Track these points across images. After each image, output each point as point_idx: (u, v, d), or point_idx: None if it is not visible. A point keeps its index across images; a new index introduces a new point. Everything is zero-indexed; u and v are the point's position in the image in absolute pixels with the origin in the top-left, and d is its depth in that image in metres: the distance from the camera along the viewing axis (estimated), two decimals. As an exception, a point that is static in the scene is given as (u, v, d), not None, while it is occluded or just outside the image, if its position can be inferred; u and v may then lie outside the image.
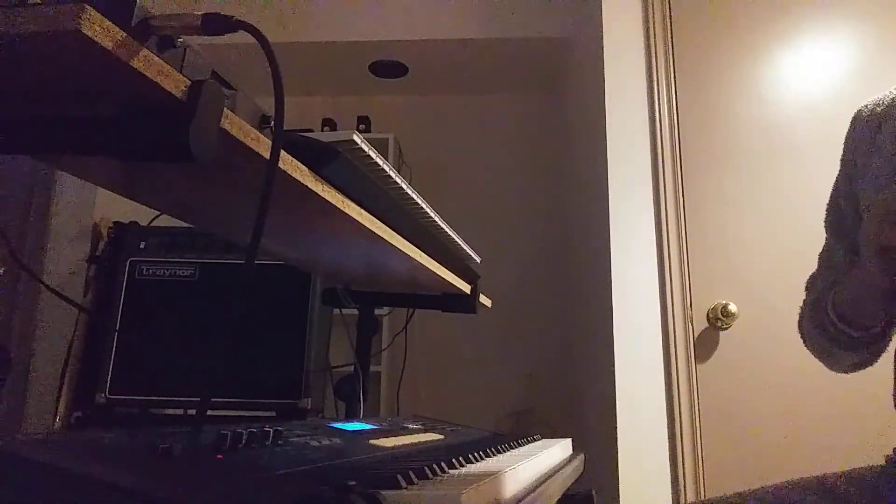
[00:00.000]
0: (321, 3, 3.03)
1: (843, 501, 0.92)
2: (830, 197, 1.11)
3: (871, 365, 1.03)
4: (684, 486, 1.82)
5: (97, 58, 0.41)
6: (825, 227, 1.11)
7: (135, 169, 0.61)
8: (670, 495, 1.82)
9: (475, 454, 0.82)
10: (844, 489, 0.93)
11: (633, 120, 2.07)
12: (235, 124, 0.53)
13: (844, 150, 1.09)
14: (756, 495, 0.97)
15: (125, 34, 0.42)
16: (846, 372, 1.06)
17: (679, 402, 1.87)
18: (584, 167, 2.60)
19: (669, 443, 1.85)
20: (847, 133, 1.09)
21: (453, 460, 0.72)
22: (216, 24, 0.48)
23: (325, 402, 1.61)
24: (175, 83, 0.46)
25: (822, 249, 1.11)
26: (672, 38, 2.13)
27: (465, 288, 1.36)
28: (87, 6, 0.39)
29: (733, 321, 1.93)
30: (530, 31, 3.00)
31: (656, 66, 2.09)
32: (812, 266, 1.14)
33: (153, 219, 1.56)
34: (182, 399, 1.46)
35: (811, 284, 1.11)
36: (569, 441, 1.23)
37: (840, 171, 1.09)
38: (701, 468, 1.84)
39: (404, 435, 0.99)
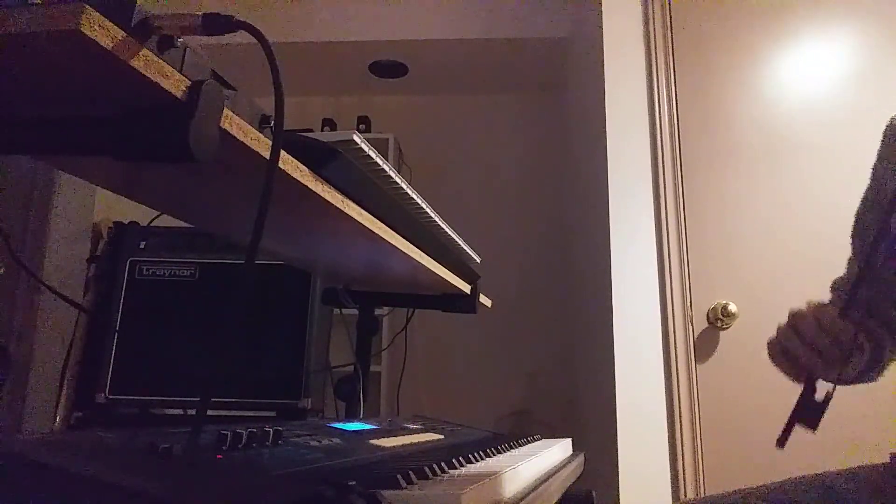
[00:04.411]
0: (321, 3, 3.03)
1: (845, 500, 0.92)
2: (860, 203, 1.09)
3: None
4: (684, 486, 1.82)
5: (97, 58, 0.41)
6: (851, 234, 1.10)
7: (135, 169, 0.61)
8: (670, 495, 1.82)
9: (475, 454, 0.82)
10: (846, 487, 0.93)
11: (633, 120, 2.07)
12: (235, 124, 0.53)
13: (876, 160, 1.07)
14: (758, 493, 0.97)
15: (125, 34, 0.42)
16: None
17: (679, 402, 1.87)
18: (584, 167, 2.60)
19: (669, 443, 1.85)
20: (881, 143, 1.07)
21: (453, 460, 0.72)
22: (216, 24, 0.48)
23: (325, 402, 1.61)
24: (175, 83, 0.46)
25: (850, 256, 1.11)
26: (672, 38, 2.13)
27: (465, 288, 1.36)
28: (87, 6, 0.39)
29: (733, 321, 1.93)
30: (530, 31, 3.00)
31: (656, 66, 2.09)
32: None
33: (153, 219, 1.56)
34: (182, 399, 1.46)
35: (832, 289, 1.11)
36: (569, 441, 1.23)
37: (870, 179, 1.07)
38: (701, 468, 1.84)
39: (404, 435, 0.99)
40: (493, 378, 3.12)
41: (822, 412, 0.88)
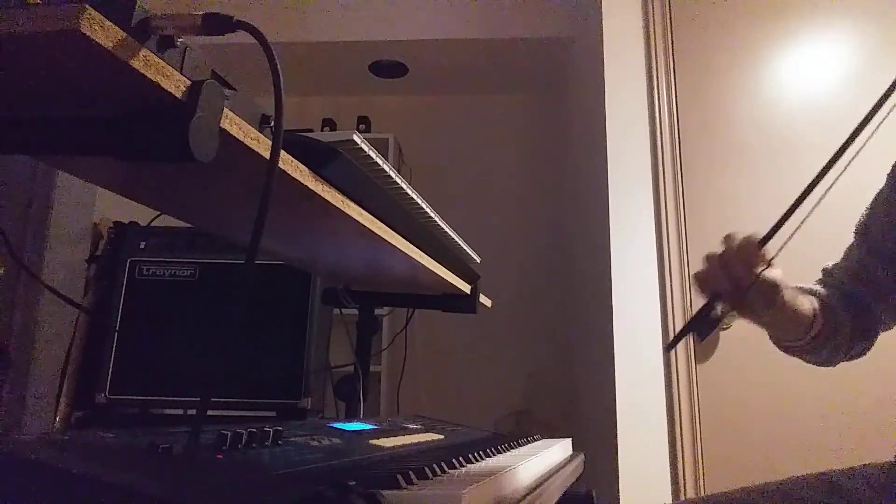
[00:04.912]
0: (321, 3, 3.03)
1: (849, 498, 0.92)
2: (872, 200, 1.09)
3: (835, 361, 1.06)
4: (684, 486, 1.82)
5: (97, 58, 0.41)
6: (855, 226, 1.10)
7: (135, 169, 0.61)
8: (670, 495, 1.82)
9: (475, 454, 0.82)
10: (851, 485, 0.93)
11: (633, 120, 2.07)
12: (235, 124, 0.53)
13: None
14: (760, 491, 0.97)
15: (125, 34, 0.42)
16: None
17: (679, 402, 1.87)
18: (584, 167, 2.60)
19: (669, 443, 1.85)
20: None
21: (453, 460, 0.72)
22: (216, 24, 0.48)
23: (325, 402, 1.61)
24: (175, 83, 0.46)
25: (849, 246, 1.11)
26: (672, 38, 2.13)
27: (465, 288, 1.36)
28: (87, 6, 0.39)
29: (733, 321, 1.93)
30: (530, 31, 3.00)
31: (656, 66, 2.09)
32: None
33: (153, 219, 1.56)
34: (182, 399, 1.46)
35: (825, 273, 1.12)
36: (569, 441, 1.23)
37: (888, 176, 1.07)
38: (701, 468, 1.84)
39: (404, 435, 0.99)
40: (493, 378, 3.12)
41: (713, 327, 0.97)
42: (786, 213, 0.98)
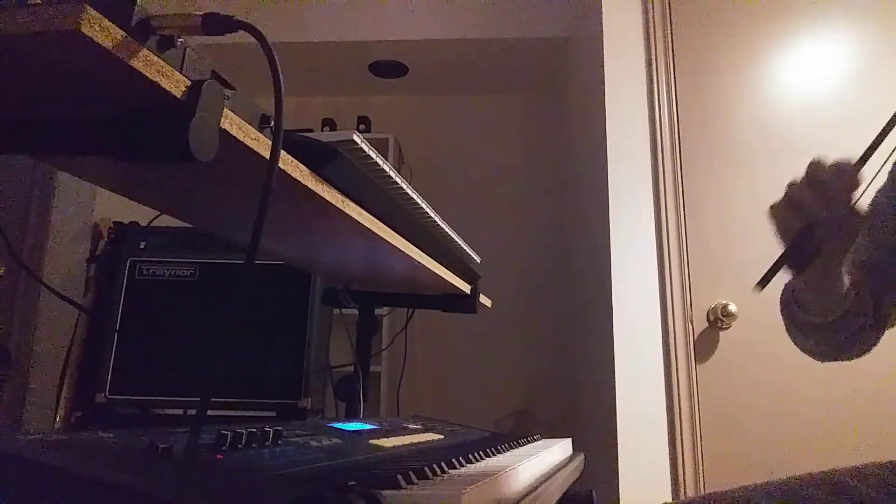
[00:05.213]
0: (321, 3, 3.03)
1: (852, 498, 0.91)
2: (875, 196, 1.08)
3: (845, 353, 1.05)
4: (684, 487, 1.82)
5: (97, 58, 0.41)
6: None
7: (135, 169, 0.61)
8: (670, 495, 1.82)
9: (475, 454, 0.82)
10: (854, 485, 0.93)
11: (633, 120, 2.07)
12: (235, 124, 0.53)
13: None
14: (762, 490, 0.97)
15: (125, 34, 0.42)
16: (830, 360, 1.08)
17: (679, 403, 1.87)
18: (584, 167, 2.60)
19: (669, 443, 1.85)
20: None
21: (453, 460, 0.72)
22: (216, 24, 0.48)
23: (325, 402, 1.61)
24: (175, 83, 0.46)
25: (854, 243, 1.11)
26: (672, 38, 2.13)
27: (465, 288, 1.36)
28: (87, 6, 0.39)
29: (733, 321, 1.93)
30: (530, 31, 3.00)
31: (656, 67, 2.09)
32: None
33: (153, 219, 1.56)
34: (182, 399, 1.46)
35: None
36: (569, 441, 1.23)
37: (889, 174, 1.06)
38: (701, 468, 1.84)
39: (404, 435, 0.99)
40: (493, 378, 3.12)
41: (812, 257, 0.88)
42: (876, 140, 0.89)
